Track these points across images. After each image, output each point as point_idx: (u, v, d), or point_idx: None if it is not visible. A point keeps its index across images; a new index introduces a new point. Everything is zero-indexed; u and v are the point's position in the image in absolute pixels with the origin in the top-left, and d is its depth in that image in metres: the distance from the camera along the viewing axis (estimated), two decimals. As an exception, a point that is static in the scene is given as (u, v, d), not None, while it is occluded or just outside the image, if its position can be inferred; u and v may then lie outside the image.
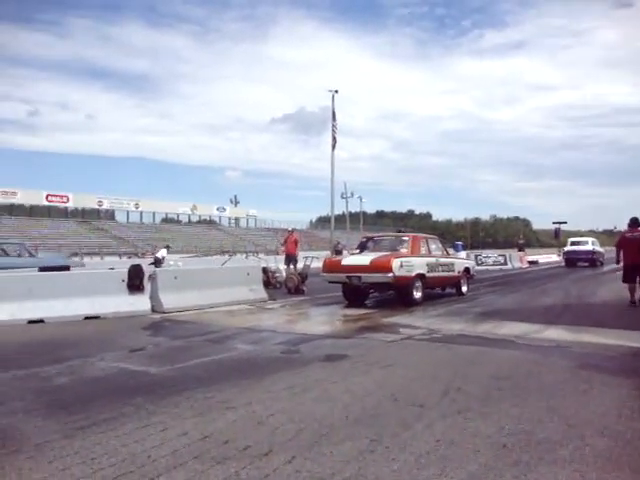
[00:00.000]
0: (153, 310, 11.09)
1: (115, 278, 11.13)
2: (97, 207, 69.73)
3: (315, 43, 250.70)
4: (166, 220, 78.75)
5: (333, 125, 31.58)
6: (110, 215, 72.99)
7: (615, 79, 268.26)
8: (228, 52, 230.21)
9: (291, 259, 18.83)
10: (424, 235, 15.27)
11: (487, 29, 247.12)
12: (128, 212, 72.30)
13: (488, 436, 3.85)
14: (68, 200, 65.84)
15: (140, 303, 11.04)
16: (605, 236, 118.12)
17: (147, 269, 11.71)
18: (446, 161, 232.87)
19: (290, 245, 19.35)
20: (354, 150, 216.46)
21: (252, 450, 3.61)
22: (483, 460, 3.43)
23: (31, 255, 17.07)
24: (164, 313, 10.92)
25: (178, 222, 79.43)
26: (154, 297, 11.28)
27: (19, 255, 16.48)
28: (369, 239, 14.89)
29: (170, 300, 11.31)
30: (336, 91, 31.81)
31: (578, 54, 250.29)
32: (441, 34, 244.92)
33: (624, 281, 12.54)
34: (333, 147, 31.62)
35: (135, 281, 11.10)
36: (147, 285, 11.28)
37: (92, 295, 10.35)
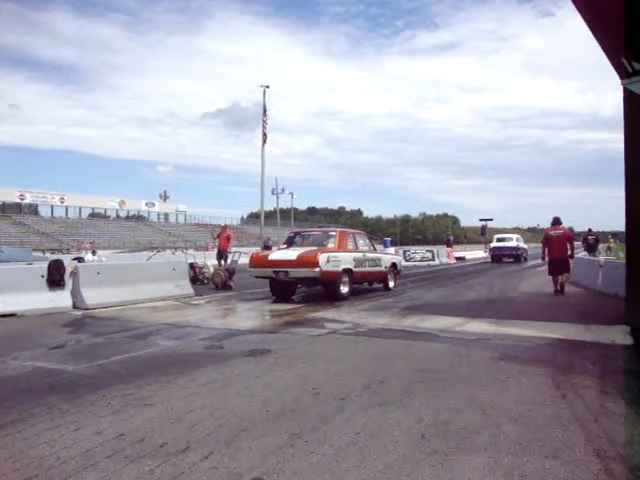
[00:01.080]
0: (75, 307, 10.72)
1: (34, 273, 10.67)
2: (19, 201, 67.05)
3: (250, 38, 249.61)
4: (93, 215, 76.60)
5: (264, 120, 31.52)
6: (33, 210, 70.41)
7: (538, 83, 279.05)
8: (161, 44, 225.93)
9: (223, 254, 18.68)
10: (351, 230, 15.35)
11: (419, 30, 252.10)
12: (53, 207, 69.96)
13: (407, 427, 3.88)
14: (-14, 193, 63.08)
15: (61, 299, 10.64)
16: (529, 233, 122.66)
17: (69, 264, 11.29)
18: (379, 159, 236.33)
19: (223, 241, 19.21)
20: (287, 146, 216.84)
21: (169, 447, 3.52)
22: (402, 451, 3.46)
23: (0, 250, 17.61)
24: (86, 309, 10.56)
25: (106, 217, 77.45)
26: (76, 293, 10.89)
27: None
28: (296, 234, 14.86)
29: (92, 296, 10.95)
30: (267, 86, 31.82)
31: (505, 58, 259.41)
32: (375, 33, 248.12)
33: (549, 274, 13.93)
34: (264, 142, 31.58)
35: (56, 277, 10.68)
36: (68, 281, 10.88)
37: (8, 291, 9.86)
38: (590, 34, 8.25)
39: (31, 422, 4.03)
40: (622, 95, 8.35)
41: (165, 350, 6.91)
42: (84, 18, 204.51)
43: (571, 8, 7.28)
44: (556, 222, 14.09)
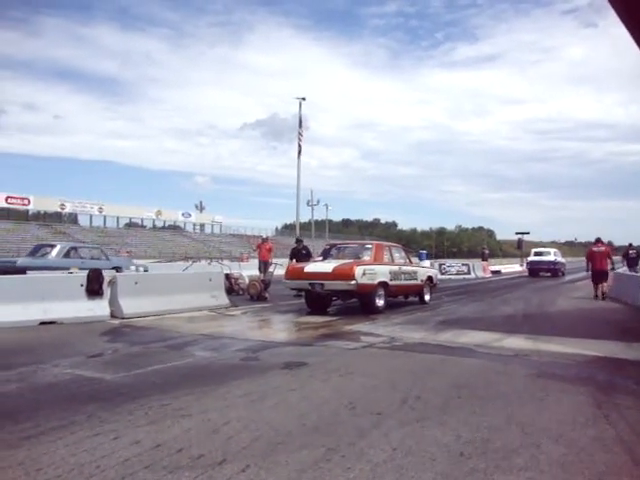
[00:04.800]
0: (112, 315, 10.87)
1: (74, 282, 10.87)
2: (60, 210, 68.54)
3: (290, 51, 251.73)
4: (130, 225, 77.78)
5: (299, 132, 31.70)
6: (73, 219, 71.89)
7: (580, 95, 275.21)
8: (202, 57, 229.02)
9: (264, 266, 18.79)
10: (387, 243, 15.31)
11: (459, 42, 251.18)
12: (91, 216, 71.26)
13: (445, 444, 3.83)
14: (29, 203, 64.63)
15: (99, 308, 10.81)
16: (566, 247, 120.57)
17: (107, 274, 11.48)
18: (415, 171, 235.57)
19: (264, 252, 19.30)
20: (323, 158, 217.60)
21: (205, 459, 3.53)
22: (439, 469, 3.41)
23: (107, 258, 19.63)
24: (123, 319, 10.71)
25: (142, 227, 78.54)
26: (113, 302, 11.05)
27: (99, 258, 18.97)
28: (332, 246, 14.87)
29: (130, 305, 11.10)
30: (303, 98, 32.06)
31: (546, 69, 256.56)
32: (414, 45, 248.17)
33: (592, 281, 17.32)
34: (299, 154, 31.79)
35: (94, 286, 10.86)
36: (107, 290, 11.06)
37: (49, 300, 10.06)
38: (634, 45, 8.11)
39: (71, 429, 4.09)
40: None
41: (201, 361, 6.96)
42: (127, 32, 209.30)
43: (615, 19, 7.17)
44: (598, 241, 17.58)
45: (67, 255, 18.16)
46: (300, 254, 16.59)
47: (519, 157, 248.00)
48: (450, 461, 3.54)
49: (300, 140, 31.44)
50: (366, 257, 13.01)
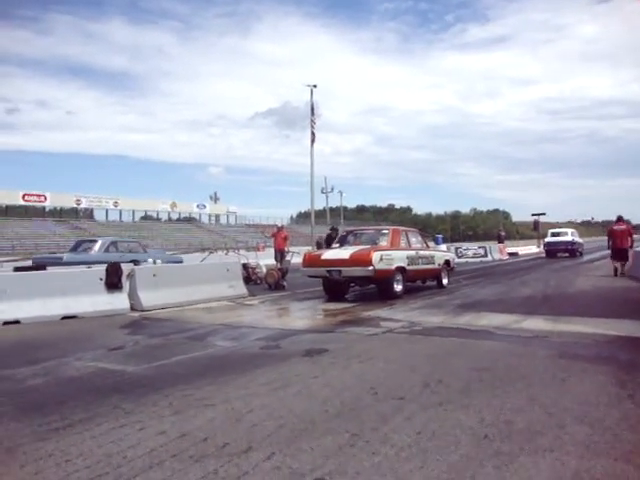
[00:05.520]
0: (132, 308, 10.96)
1: (93, 277, 10.96)
2: (75, 206, 69.18)
3: (299, 38, 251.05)
4: (145, 218, 78.25)
5: (312, 120, 31.59)
6: (89, 214, 72.59)
7: (594, 72, 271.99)
8: (211, 49, 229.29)
9: (280, 254, 18.85)
10: (404, 228, 15.25)
11: (470, 23, 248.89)
12: (107, 210, 71.90)
13: (469, 427, 3.83)
14: (45, 199, 65.20)
15: (119, 301, 10.90)
16: (583, 227, 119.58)
17: (125, 267, 11.56)
18: (428, 155, 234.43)
19: (280, 241, 19.37)
20: (336, 145, 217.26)
21: (231, 447, 3.56)
22: (464, 451, 3.41)
23: (145, 251, 20.47)
24: (143, 311, 10.80)
25: (157, 220, 79.04)
26: (133, 295, 11.15)
27: (137, 252, 19.75)
28: (349, 233, 14.85)
29: (149, 298, 11.19)
30: (315, 86, 31.91)
31: (559, 48, 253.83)
32: (424, 28, 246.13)
33: (612, 258, 17.80)
34: (312, 142, 31.70)
35: (113, 279, 10.94)
36: (125, 283, 11.14)
37: (69, 294, 10.18)
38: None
39: (97, 421, 4.14)
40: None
41: (222, 351, 7.00)
42: (137, 25, 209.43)
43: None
44: (619, 219, 18.26)
45: (108, 249, 18.79)
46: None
47: (532, 138, 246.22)
48: (474, 444, 3.54)
49: (313, 128, 31.32)
50: (383, 242, 12.99)
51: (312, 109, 31.58)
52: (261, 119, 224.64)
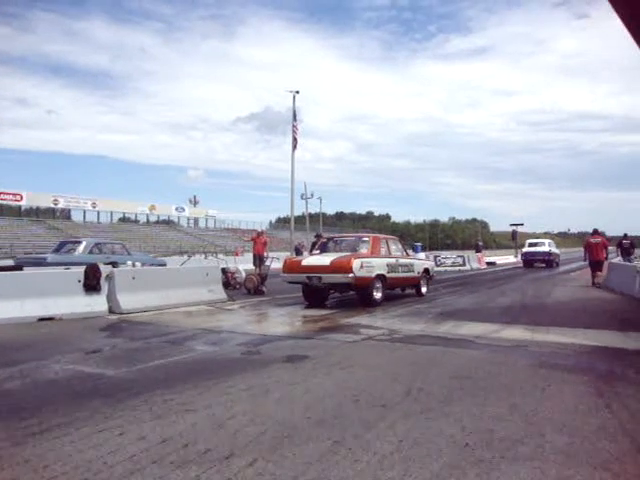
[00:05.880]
0: (110, 311, 10.87)
1: (71, 278, 10.85)
2: (53, 206, 68.21)
3: (283, 43, 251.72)
4: (123, 220, 77.52)
5: (294, 125, 31.59)
6: (66, 214, 71.53)
7: (573, 86, 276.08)
8: (194, 51, 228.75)
9: (259, 259, 18.83)
10: (384, 236, 15.31)
11: (452, 34, 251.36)
12: (85, 211, 70.95)
13: (450, 435, 3.85)
14: (22, 199, 64.19)
15: (97, 304, 10.80)
16: (560, 238, 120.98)
17: (104, 269, 11.45)
18: (408, 163, 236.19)
19: (259, 246, 19.33)
20: (317, 151, 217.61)
21: (213, 453, 3.54)
22: (446, 459, 3.43)
23: (129, 254, 20.00)
24: (121, 314, 10.71)
25: (136, 222, 78.32)
26: (111, 298, 11.05)
27: (121, 254, 19.40)
28: (329, 239, 14.87)
29: (128, 301, 11.10)
30: (297, 92, 31.91)
31: (539, 61, 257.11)
32: (408, 37, 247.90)
33: (590, 269, 18.56)
34: (294, 147, 31.66)
35: (92, 281, 10.84)
36: (104, 285, 11.05)
37: (46, 296, 10.06)
38: (627, 35, 8.12)
39: (76, 426, 4.08)
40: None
41: (203, 355, 6.95)
42: (120, 25, 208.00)
43: (607, 9, 7.15)
44: (595, 232, 19.24)
45: (92, 251, 18.63)
46: None
47: (512, 149, 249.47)
48: (456, 452, 3.55)
49: (295, 133, 31.31)
50: (363, 250, 13.02)
51: (294, 115, 31.60)
52: (243, 123, 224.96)
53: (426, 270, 15.48)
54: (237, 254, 36.66)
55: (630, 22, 7.72)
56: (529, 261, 33.43)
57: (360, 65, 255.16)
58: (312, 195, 68.53)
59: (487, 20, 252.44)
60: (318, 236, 18.65)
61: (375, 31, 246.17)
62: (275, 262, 17.97)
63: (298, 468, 3.30)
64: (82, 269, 11.01)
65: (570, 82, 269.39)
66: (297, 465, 3.35)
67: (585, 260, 19.10)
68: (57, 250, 19.43)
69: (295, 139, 31.56)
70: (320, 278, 12.09)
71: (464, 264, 33.30)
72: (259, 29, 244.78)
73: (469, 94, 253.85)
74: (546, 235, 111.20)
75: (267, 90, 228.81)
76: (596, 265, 18.35)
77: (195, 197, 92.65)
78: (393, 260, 13.46)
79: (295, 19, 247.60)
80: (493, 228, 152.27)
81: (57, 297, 10.22)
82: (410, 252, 19.75)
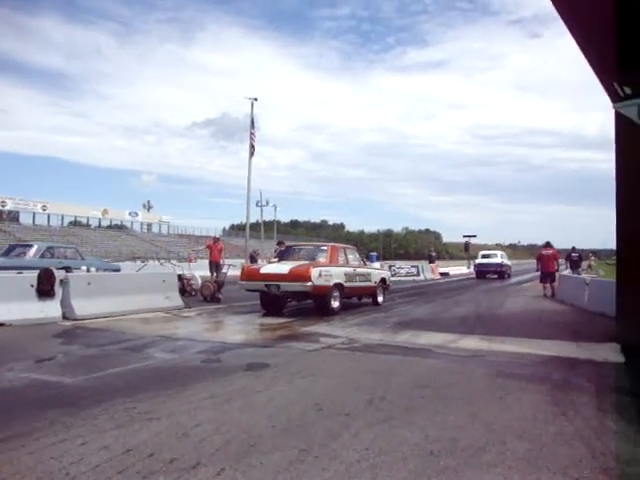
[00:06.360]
0: (64, 317, 10.61)
1: (23, 283, 10.53)
2: (0, 208, 66.31)
3: (241, 50, 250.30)
4: (74, 223, 75.86)
5: (252, 133, 31.49)
6: (14, 217, 69.59)
7: (525, 102, 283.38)
8: (151, 54, 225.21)
9: (215, 266, 18.65)
10: (342, 245, 15.38)
11: (409, 47, 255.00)
12: (34, 214, 69.15)
13: (414, 444, 3.91)
14: (-33, 200, 62.32)
15: (50, 309, 10.53)
16: (510, 250, 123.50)
17: (58, 274, 11.19)
18: (364, 173, 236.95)
19: (215, 253, 19.15)
20: (273, 159, 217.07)
21: (179, 463, 3.50)
22: (412, 467, 3.48)
23: (82, 258, 19.79)
24: (76, 320, 10.46)
25: (87, 226, 76.72)
26: (66, 303, 10.79)
27: (74, 258, 19.00)
28: (288, 248, 14.86)
29: (82, 306, 10.86)
30: (255, 99, 31.86)
31: (493, 76, 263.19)
32: (366, 49, 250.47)
33: (541, 282, 19.62)
34: (251, 155, 31.53)
35: (46, 286, 10.57)
36: (58, 291, 10.78)
37: (-2, 301, 9.76)
38: (579, 56, 8.39)
39: (35, 436, 3.98)
40: (613, 118, 8.47)
41: (162, 363, 6.86)
42: (75, 24, 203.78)
43: (557, 31, 7.42)
44: (547, 245, 19.95)
45: (43, 255, 18.15)
46: None
47: (466, 161, 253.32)
48: (421, 460, 3.61)
49: (253, 140, 31.19)
50: (322, 259, 13.06)
51: (252, 122, 31.51)
52: (198, 129, 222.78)
53: (383, 280, 15.61)
54: (191, 260, 36.20)
55: (584, 44, 7.97)
56: (482, 272, 34.07)
57: (319, 74, 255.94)
58: (267, 202, 68.44)
59: (444, 34, 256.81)
60: (281, 243, 18.62)
61: (334, 41, 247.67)
62: (232, 269, 17.85)
63: (266, 477, 3.31)
64: (35, 274, 10.72)
65: (522, 98, 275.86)
66: (265, 474, 3.35)
67: (538, 271, 19.90)
68: (6, 254, 18.88)
69: (252, 146, 31.43)
70: (278, 286, 12.07)
71: (418, 274, 33.74)
72: (218, 35, 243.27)
73: (425, 106, 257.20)
74: (497, 247, 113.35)
75: (225, 96, 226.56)
76: (547, 276, 19.12)
77: (149, 202, 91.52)
78: (351, 269, 13.54)
79: (254, 26, 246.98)
80: (446, 239, 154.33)
81: (8, 302, 9.89)
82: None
